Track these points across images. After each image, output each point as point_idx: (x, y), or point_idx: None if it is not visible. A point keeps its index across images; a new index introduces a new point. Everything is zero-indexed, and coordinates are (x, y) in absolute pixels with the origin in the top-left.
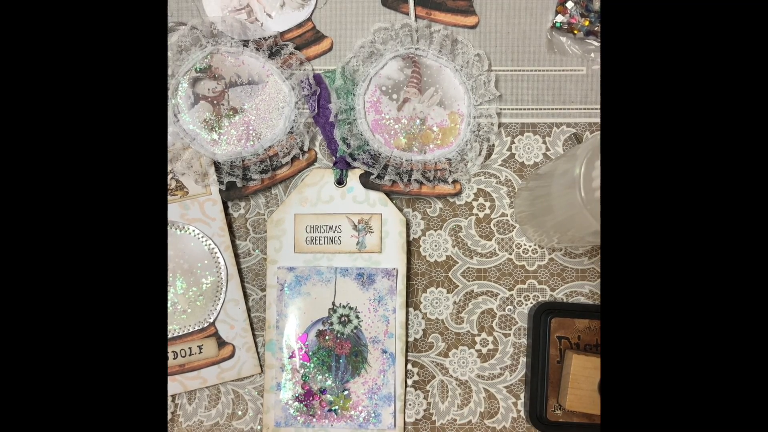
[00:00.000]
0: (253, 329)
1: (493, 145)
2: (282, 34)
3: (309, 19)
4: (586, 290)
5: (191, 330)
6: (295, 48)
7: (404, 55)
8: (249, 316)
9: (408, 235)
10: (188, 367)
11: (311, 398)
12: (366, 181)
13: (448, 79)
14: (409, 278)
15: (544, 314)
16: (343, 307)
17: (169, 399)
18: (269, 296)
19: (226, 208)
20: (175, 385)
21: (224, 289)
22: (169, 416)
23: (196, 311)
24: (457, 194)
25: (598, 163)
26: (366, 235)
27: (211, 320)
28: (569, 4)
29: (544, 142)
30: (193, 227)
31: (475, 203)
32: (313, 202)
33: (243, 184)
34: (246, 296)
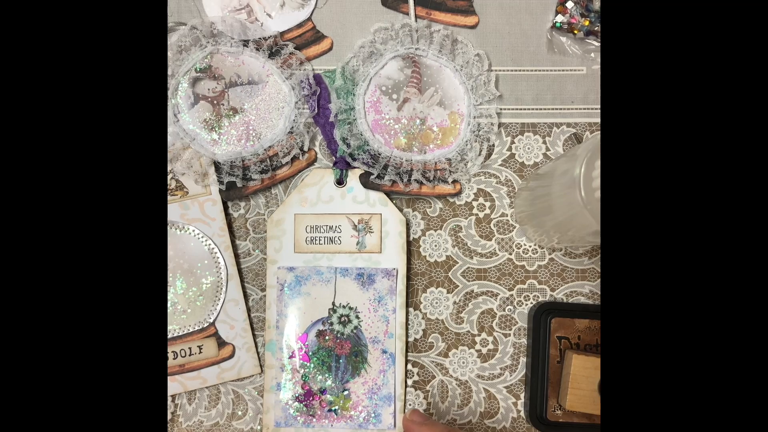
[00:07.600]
0: (253, 329)
1: (493, 145)
2: (282, 34)
3: (309, 19)
4: (586, 290)
5: (191, 330)
6: (295, 48)
7: (404, 55)
8: (249, 316)
9: (408, 235)
10: (188, 367)
11: (311, 398)
12: (366, 181)
13: (448, 79)
14: (409, 278)
15: (544, 314)
16: (343, 307)
17: (169, 399)
18: (269, 296)
19: (226, 208)
20: (175, 385)
21: (224, 289)
22: (169, 416)
23: (196, 311)
24: (457, 194)
25: (598, 163)
26: (366, 235)
27: (211, 320)
28: (569, 4)
29: (544, 142)
30: (193, 227)
31: (475, 203)
32: (313, 202)
33: (243, 184)
34: (246, 296)
